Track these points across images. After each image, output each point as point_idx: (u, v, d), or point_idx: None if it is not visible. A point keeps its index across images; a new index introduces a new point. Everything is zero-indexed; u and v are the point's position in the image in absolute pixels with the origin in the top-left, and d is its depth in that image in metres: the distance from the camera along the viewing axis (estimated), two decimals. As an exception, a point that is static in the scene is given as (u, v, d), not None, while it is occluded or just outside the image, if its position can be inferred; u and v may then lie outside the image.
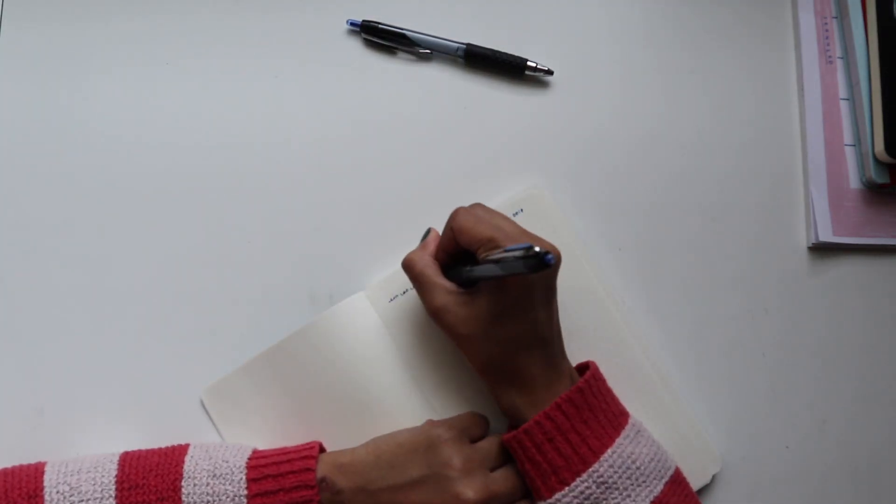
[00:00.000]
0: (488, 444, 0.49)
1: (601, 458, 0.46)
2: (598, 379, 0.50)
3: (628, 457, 0.47)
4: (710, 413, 0.56)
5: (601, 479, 0.46)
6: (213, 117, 0.57)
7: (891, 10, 0.60)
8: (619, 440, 0.47)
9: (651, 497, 0.47)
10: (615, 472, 0.46)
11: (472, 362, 0.49)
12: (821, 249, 0.60)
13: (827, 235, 0.59)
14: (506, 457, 0.50)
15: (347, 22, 0.59)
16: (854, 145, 0.61)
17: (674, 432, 0.54)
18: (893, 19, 0.60)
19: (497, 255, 0.44)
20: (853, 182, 0.61)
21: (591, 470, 0.46)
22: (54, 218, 0.55)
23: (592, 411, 0.48)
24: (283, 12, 0.59)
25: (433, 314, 0.49)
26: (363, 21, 0.59)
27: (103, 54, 0.58)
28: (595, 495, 0.46)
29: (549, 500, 0.46)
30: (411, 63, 0.60)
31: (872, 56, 0.60)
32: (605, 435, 0.47)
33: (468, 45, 0.59)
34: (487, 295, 0.47)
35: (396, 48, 0.60)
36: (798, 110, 0.62)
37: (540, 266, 0.40)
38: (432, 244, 0.52)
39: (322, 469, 0.47)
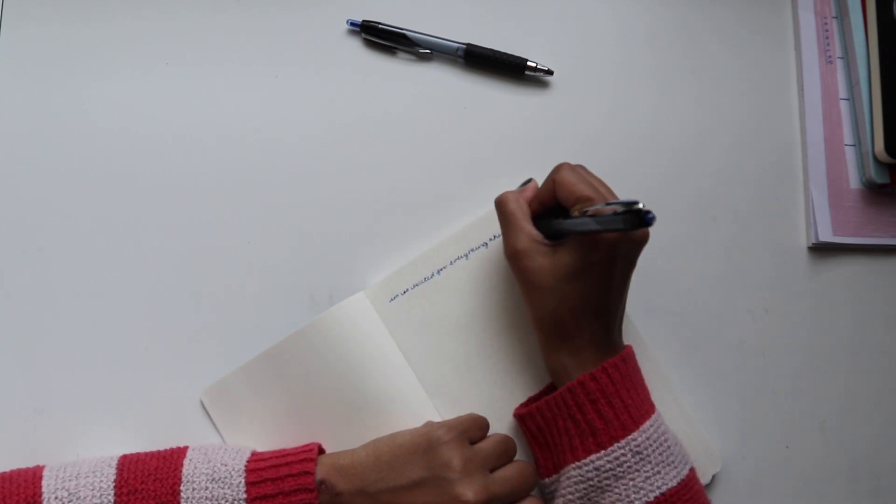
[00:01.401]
0: (488, 446, 0.49)
1: (641, 428, 0.47)
2: (634, 358, 0.50)
3: (663, 434, 0.48)
4: (710, 413, 0.57)
5: (637, 449, 0.46)
6: (212, 117, 0.57)
7: (891, 10, 0.60)
8: (655, 415, 0.48)
9: (679, 478, 0.47)
10: (650, 445, 0.47)
11: (533, 312, 0.49)
12: (821, 249, 0.60)
13: (827, 235, 0.59)
14: (505, 458, 0.50)
15: (347, 22, 0.59)
16: (854, 145, 0.61)
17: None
18: (893, 19, 0.60)
19: (596, 208, 0.44)
20: (853, 182, 0.61)
21: (629, 437, 0.46)
22: (54, 218, 0.55)
23: (633, 382, 0.48)
24: (283, 12, 0.59)
25: (512, 255, 0.49)
26: (363, 21, 0.59)
27: (103, 54, 0.58)
28: (629, 463, 0.46)
29: (585, 460, 0.47)
30: (411, 63, 0.60)
31: (872, 56, 0.60)
32: (643, 406, 0.48)
33: (468, 45, 0.59)
34: (571, 250, 0.47)
35: (396, 48, 0.60)
36: (798, 110, 0.62)
37: (640, 223, 0.40)
38: (530, 192, 0.52)
39: (321, 471, 0.46)
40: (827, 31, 0.63)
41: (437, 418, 0.53)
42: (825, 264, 0.60)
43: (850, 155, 0.61)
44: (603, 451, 0.46)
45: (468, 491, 0.46)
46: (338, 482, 0.46)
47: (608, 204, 0.43)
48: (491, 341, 0.55)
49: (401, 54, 0.60)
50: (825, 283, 0.60)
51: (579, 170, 0.50)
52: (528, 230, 0.49)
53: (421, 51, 0.59)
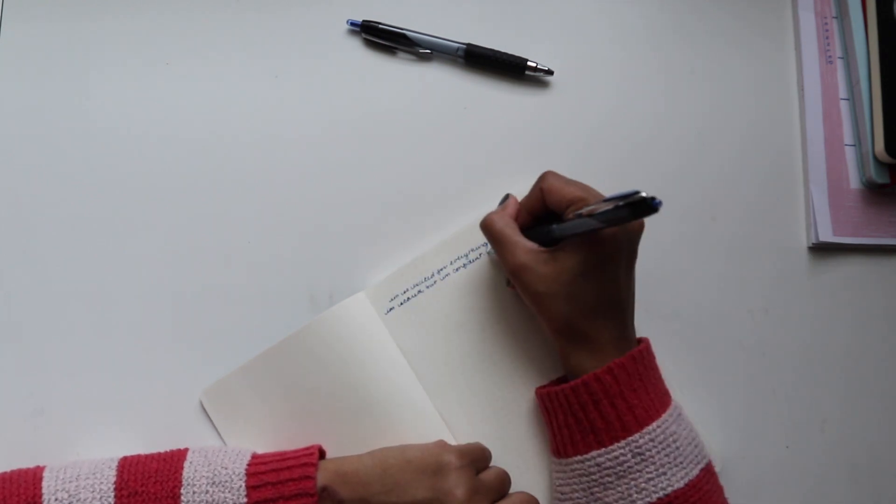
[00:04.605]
0: (490, 478, 0.49)
1: (644, 430, 0.46)
2: (651, 354, 0.50)
3: (670, 435, 0.47)
4: (710, 413, 0.56)
5: (639, 450, 0.46)
6: (213, 117, 0.57)
7: (891, 10, 0.60)
8: (664, 416, 0.48)
9: (687, 479, 0.47)
10: (654, 447, 0.46)
11: (547, 322, 0.49)
12: (821, 249, 0.60)
13: (827, 235, 0.59)
14: (503, 492, 0.50)
15: (347, 22, 0.59)
16: (854, 145, 0.61)
17: (674, 432, 0.54)
18: (893, 19, 0.60)
19: (594, 206, 0.44)
20: (853, 182, 0.61)
21: (630, 439, 0.46)
22: (54, 218, 0.55)
23: (643, 381, 0.48)
24: (283, 12, 0.59)
25: (513, 272, 0.49)
26: (363, 21, 0.59)
27: (103, 54, 0.58)
28: (630, 464, 0.46)
29: (586, 455, 0.47)
30: (411, 63, 0.60)
31: (872, 56, 0.60)
32: (651, 407, 0.47)
33: (468, 45, 0.59)
34: (572, 253, 0.47)
35: (396, 48, 0.60)
36: (798, 110, 0.62)
37: (647, 210, 0.39)
38: (511, 207, 0.52)
39: (324, 477, 0.46)
40: (827, 31, 0.63)
41: (437, 418, 0.53)
42: (825, 264, 0.60)
43: (850, 155, 0.61)
44: (603, 449, 0.46)
45: None
46: (340, 489, 0.46)
47: (607, 199, 0.43)
48: (491, 341, 0.55)
49: (401, 54, 0.60)
50: (825, 283, 0.60)
51: (562, 175, 0.50)
52: (522, 244, 0.49)
53: (421, 51, 0.59)
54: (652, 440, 0.46)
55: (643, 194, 0.39)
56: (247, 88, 0.58)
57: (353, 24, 0.59)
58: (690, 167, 0.60)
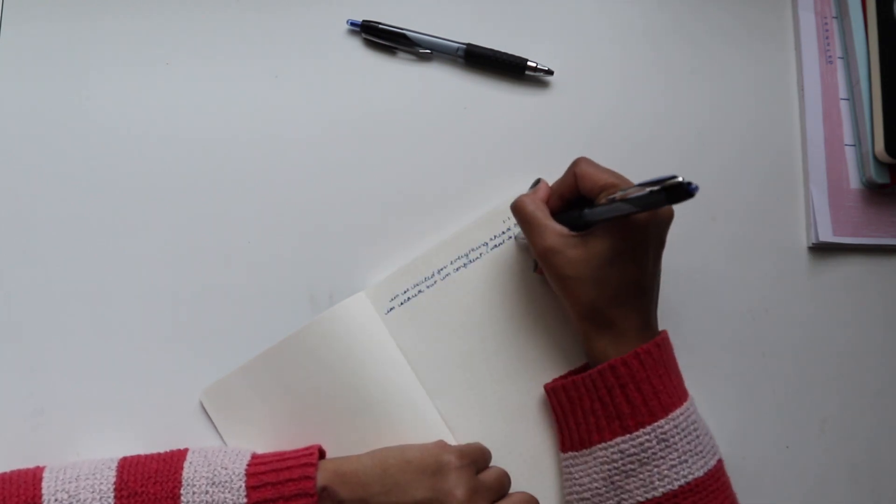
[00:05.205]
0: (490, 478, 0.49)
1: (669, 416, 0.47)
2: (670, 343, 0.50)
3: (692, 423, 0.48)
4: (709, 413, 0.56)
5: (664, 436, 0.46)
6: (213, 117, 0.57)
7: (891, 10, 0.60)
8: (686, 403, 0.48)
9: (706, 468, 0.47)
10: (678, 433, 0.47)
11: (573, 307, 0.49)
12: (821, 249, 0.60)
13: (827, 235, 0.59)
14: (503, 492, 0.50)
15: (347, 22, 0.59)
16: (854, 145, 0.61)
17: (674, 432, 0.54)
18: (893, 19, 0.60)
19: (626, 191, 0.44)
20: (853, 182, 0.61)
21: (655, 424, 0.46)
22: (54, 218, 0.55)
23: (666, 369, 0.48)
24: (283, 12, 0.59)
25: (542, 255, 0.49)
26: (363, 21, 0.59)
27: (103, 54, 0.58)
28: (654, 450, 0.46)
29: (610, 442, 0.47)
30: (411, 63, 0.60)
31: (872, 56, 0.60)
32: (674, 394, 0.48)
33: (468, 45, 0.59)
34: (602, 237, 0.47)
35: (396, 48, 0.60)
36: (798, 110, 0.62)
37: (683, 194, 0.39)
38: (543, 192, 0.52)
39: (324, 477, 0.46)
40: (827, 31, 0.63)
41: (437, 418, 0.53)
42: (825, 264, 0.60)
43: (850, 155, 0.61)
44: (629, 435, 0.47)
45: None
46: (340, 490, 0.46)
47: (641, 184, 0.43)
48: (491, 341, 0.55)
49: (401, 54, 0.60)
50: (825, 283, 0.60)
51: (596, 163, 0.50)
52: (552, 227, 0.49)
53: (421, 51, 0.59)
54: (676, 426, 0.47)
55: (680, 178, 0.40)
56: (247, 88, 0.58)
57: (353, 24, 0.59)
58: (690, 167, 0.60)
